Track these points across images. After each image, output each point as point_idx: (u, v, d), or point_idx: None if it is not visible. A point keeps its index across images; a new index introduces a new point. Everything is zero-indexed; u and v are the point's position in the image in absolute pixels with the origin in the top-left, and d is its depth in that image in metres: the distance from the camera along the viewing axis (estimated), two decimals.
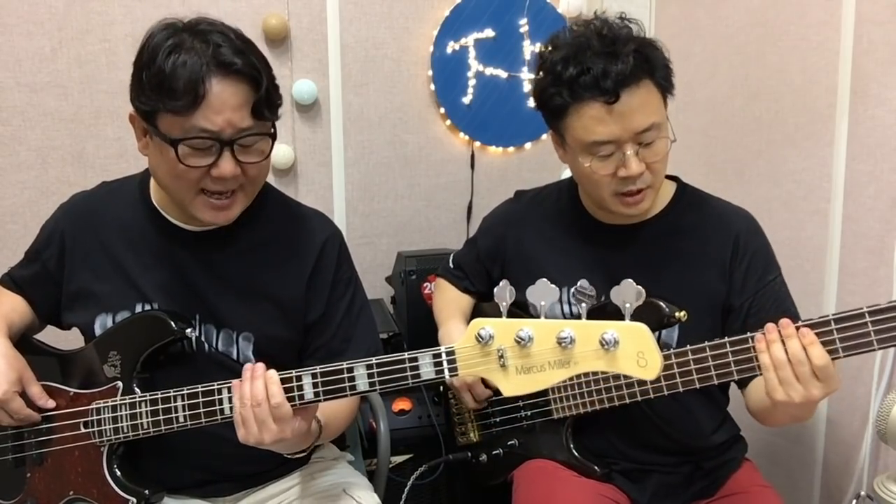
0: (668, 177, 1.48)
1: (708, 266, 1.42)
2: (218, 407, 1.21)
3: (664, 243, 1.45)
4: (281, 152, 2.27)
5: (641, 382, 1.36)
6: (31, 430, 1.33)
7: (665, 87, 1.36)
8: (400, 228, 2.49)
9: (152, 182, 1.37)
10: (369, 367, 1.12)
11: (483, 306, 1.68)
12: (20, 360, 1.32)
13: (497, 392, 1.53)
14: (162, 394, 1.25)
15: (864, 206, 1.74)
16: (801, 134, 1.90)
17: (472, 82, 2.43)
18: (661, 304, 1.29)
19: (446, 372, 1.07)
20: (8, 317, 1.38)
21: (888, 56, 1.66)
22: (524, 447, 1.55)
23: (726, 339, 1.25)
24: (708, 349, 1.27)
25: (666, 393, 1.33)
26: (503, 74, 2.45)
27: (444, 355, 1.06)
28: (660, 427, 1.45)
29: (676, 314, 1.29)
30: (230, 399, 1.18)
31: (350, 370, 1.13)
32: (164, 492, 1.32)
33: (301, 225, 1.41)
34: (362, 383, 1.12)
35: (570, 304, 1.48)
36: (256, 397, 1.11)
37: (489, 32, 2.42)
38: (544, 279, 0.99)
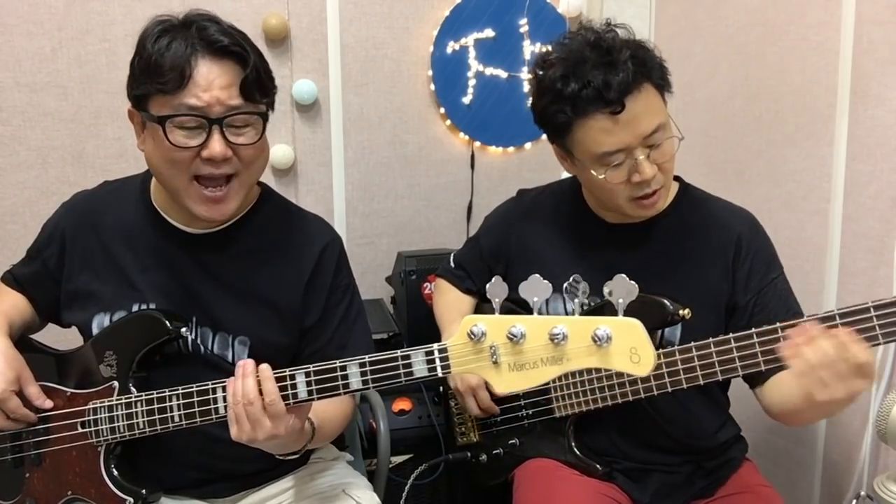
0: None
1: (711, 264, 1.43)
2: (213, 406, 1.21)
3: (669, 241, 1.45)
4: (281, 152, 2.27)
5: (645, 379, 1.35)
6: (29, 430, 1.33)
7: (663, 86, 1.36)
8: (400, 228, 2.48)
9: (153, 183, 1.37)
10: (362, 364, 1.12)
11: (485, 307, 1.67)
12: (19, 360, 1.32)
13: (500, 401, 1.54)
14: (157, 393, 1.25)
15: (864, 206, 1.73)
16: (801, 134, 1.90)
17: (472, 82, 2.42)
18: (666, 301, 1.29)
19: (439, 369, 1.06)
20: (8, 314, 1.38)
21: (888, 56, 1.66)
22: (525, 447, 1.55)
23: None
24: (713, 345, 1.28)
25: (670, 390, 1.33)
26: (503, 74, 2.45)
27: (436, 352, 1.06)
28: (662, 426, 1.45)
29: (681, 311, 1.29)
30: (225, 398, 1.18)
31: (343, 368, 1.12)
32: (161, 492, 1.32)
33: (300, 229, 1.40)
34: (355, 381, 1.12)
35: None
36: (248, 395, 1.10)
37: (489, 32, 2.41)
38: (537, 275, 0.99)
